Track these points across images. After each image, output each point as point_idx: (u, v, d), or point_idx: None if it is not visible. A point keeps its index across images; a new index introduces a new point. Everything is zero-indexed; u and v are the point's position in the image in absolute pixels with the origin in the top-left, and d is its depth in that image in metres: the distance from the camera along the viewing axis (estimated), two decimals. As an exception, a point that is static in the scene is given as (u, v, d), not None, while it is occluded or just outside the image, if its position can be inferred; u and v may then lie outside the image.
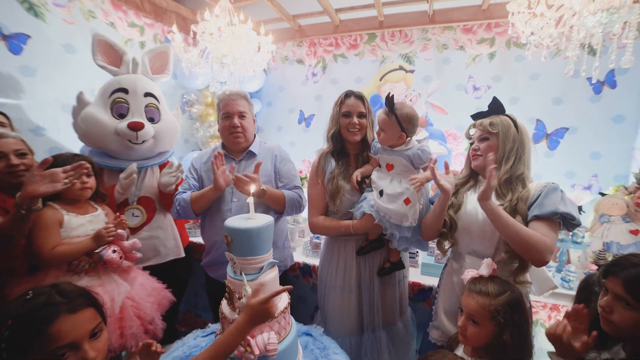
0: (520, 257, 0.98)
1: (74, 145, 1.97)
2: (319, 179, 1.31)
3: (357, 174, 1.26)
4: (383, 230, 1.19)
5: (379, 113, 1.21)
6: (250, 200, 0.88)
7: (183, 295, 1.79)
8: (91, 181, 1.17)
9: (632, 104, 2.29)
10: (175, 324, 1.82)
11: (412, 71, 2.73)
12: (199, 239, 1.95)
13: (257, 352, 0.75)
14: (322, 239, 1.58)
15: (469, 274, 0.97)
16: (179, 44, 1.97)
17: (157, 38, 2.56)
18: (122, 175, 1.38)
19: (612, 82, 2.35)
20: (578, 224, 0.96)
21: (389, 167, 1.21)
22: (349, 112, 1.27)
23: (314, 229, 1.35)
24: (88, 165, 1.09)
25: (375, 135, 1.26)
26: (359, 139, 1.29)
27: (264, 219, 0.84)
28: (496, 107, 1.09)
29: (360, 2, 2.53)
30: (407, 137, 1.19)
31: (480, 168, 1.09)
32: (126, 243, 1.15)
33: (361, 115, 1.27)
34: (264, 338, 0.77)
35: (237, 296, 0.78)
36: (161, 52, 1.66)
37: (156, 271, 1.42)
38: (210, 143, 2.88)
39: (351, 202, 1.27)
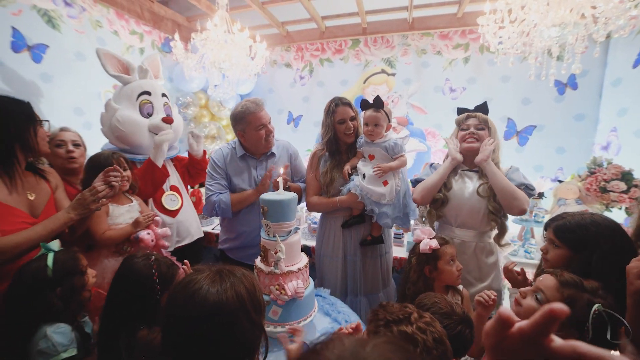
0: (500, 224, 1.42)
1: (87, 145, 2.38)
2: (312, 169, 1.76)
3: (347, 168, 1.65)
4: (365, 206, 1.61)
5: (370, 113, 1.58)
6: (280, 179, 1.27)
7: None
8: (127, 174, 1.50)
9: (591, 104, 2.84)
10: None
11: (393, 74, 3.26)
12: (206, 228, 2.37)
13: (290, 293, 1.14)
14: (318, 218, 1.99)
15: (424, 241, 1.38)
16: (180, 51, 2.42)
17: (155, 44, 3.03)
18: (157, 137, 1.75)
19: (574, 84, 2.90)
20: (534, 194, 1.41)
21: (371, 157, 1.63)
22: (343, 119, 1.63)
23: (310, 206, 1.77)
24: (117, 168, 1.37)
25: (363, 131, 1.65)
26: (354, 139, 1.68)
27: (290, 194, 1.21)
28: (482, 108, 1.54)
29: (345, 10, 3.06)
30: (391, 125, 1.65)
31: (473, 151, 1.47)
32: (159, 230, 1.51)
33: (352, 119, 1.65)
34: (294, 284, 1.16)
35: (274, 252, 1.17)
36: (153, 59, 2.07)
37: (181, 252, 1.78)
38: (205, 143, 3.31)
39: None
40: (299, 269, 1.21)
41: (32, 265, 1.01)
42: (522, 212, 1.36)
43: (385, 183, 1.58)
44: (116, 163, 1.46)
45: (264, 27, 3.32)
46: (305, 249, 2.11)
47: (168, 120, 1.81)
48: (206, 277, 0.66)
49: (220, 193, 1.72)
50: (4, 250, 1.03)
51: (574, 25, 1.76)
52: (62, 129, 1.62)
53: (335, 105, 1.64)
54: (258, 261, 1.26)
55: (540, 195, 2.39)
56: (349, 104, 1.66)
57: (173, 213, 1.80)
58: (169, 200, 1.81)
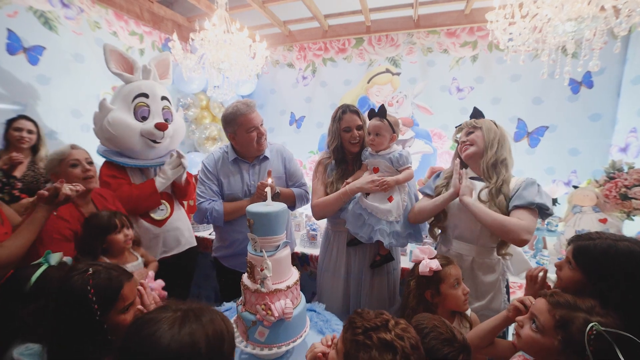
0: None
1: (84, 147, 2.31)
2: (317, 177, 1.63)
3: (349, 182, 1.51)
4: (372, 234, 1.40)
5: (372, 122, 1.47)
6: (268, 190, 1.14)
7: (190, 285, 2.08)
8: (131, 232, 1.41)
9: (608, 103, 2.64)
10: None
11: (398, 74, 3.11)
12: (202, 233, 2.28)
13: (276, 314, 1.00)
14: (320, 230, 1.87)
15: (424, 262, 1.24)
16: (179, 51, 2.32)
17: (155, 45, 2.95)
18: (168, 167, 1.70)
19: (589, 82, 2.69)
20: (551, 214, 1.22)
21: (375, 170, 1.50)
22: (349, 127, 1.53)
23: (316, 208, 1.58)
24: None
25: (366, 141, 1.51)
26: (359, 150, 1.56)
27: (279, 205, 1.09)
28: (476, 114, 1.40)
29: (348, 8, 2.92)
30: (397, 137, 1.52)
31: (471, 157, 1.35)
32: (153, 284, 1.29)
33: (359, 128, 1.54)
34: (281, 304, 1.03)
35: (259, 269, 1.03)
36: (163, 59, 1.99)
37: (171, 262, 1.71)
38: (205, 144, 3.23)
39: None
40: (288, 287, 1.08)
41: (17, 274, 0.95)
42: (521, 242, 1.16)
43: (390, 199, 1.45)
44: (119, 223, 1.37)
45: (266, 26, 3.21)
46: (304, 257, 1.99)
47: (161, 126, 1.69)
48: (167, 319, 0.57)
49: (213, 200, 1.63)
50: (7, 262, 1.01)
51: (593, 19, 1.59)
52: (73, 147, 1.46)
53: (343, 112, 1.54)
54: (245, 277, 1.15)
55: (554, 201, 2.20)
56: (356, 112, 1.55)
57: (159, 223, 1.71)
58: (157, 209, 1.72)
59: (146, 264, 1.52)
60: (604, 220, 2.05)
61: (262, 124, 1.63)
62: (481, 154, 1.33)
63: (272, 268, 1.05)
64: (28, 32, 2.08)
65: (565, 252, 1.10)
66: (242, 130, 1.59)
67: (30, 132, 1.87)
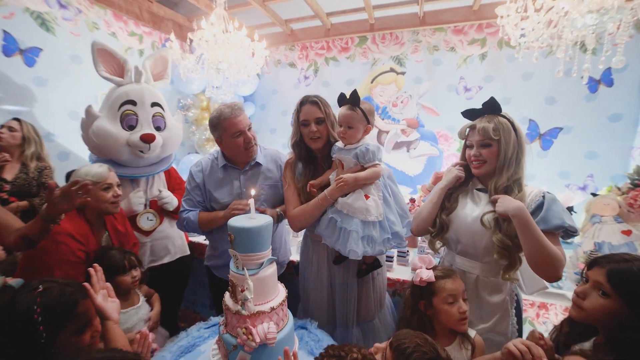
0: (510, 257, 1.06)
1: (82, 150, 2.26)
2: (287, 182, 1.44)
3: (314, 183, 1.34)
4: (347, 243, 1.21)
5: (343, 111, 1.26)
6: (251, 201, 1.03)
7: (184, 292, 2.02)
8: (138, 273, 1.38)
9: (630, 102, 2.43)
10: (177, 321, 2.01)
11: (403, 73, 2.95)
12: (197, 239, 2.20)
13: (258, 340, 0.90)
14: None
15: (417, 272, 1.13)
16: (177, 51, 2.23)
17: (155, 45, 2.88)
18: (134, 197, 1.65)
19: (609, 80, 2.48)
20: (577, 234, 1.04)
21: (343, 165, 1.31)
22: (306, 120, 1.34)
23: (294, 219, 1.40)
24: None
25: (337, 133, 1.32)
26: (321, 146, 1.37)
27: (263, 219, 0.98)
28: (492, 106, 1.16)
29: (351, 6, 2.80)
30: (372, 128, 1.32)
31: (484, 175, 1.17)
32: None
33: (319, 121, 1.33)
34: (264, 328, 0.92)
35: (240, 289, 0.93)
36: (160, 57, 1.87)
37: (162, 271, 1.63)
38: (206, 146, 3.16)
39: None
40: (272, 309, 0.97)
41: None
42: (556, 279, 1.00)
43: (366, 196, 1.25)
44: (128, 265, 1.35)
45: (267, 25, 3.10)
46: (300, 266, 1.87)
47: (147, 138, 1.59)
48: None
49: (190, 210, 1.52)
50: None
51: (617, 10, 1.43)
52: (110, 170, 1.42)
53: (301, 104, 1.36)
54: (227, 296, 1.04)
55: (569, 209, 2.02)
56: (317, 103, 1.34)
57: (147, 233, 1.63)
58: (145, 219, 1.64)
59: (148, 299, 1.49)
60: (627, 232, 1.85)
61: (249, 128, 1.49)
62: (494, 172, 1.14)
63: (255, 288, 0.95)
64: (24, 34, 2.04)
65: (582, 267, 0.95)
66: (227, 135, 1.45)
67: (11, 129, 1.78)
